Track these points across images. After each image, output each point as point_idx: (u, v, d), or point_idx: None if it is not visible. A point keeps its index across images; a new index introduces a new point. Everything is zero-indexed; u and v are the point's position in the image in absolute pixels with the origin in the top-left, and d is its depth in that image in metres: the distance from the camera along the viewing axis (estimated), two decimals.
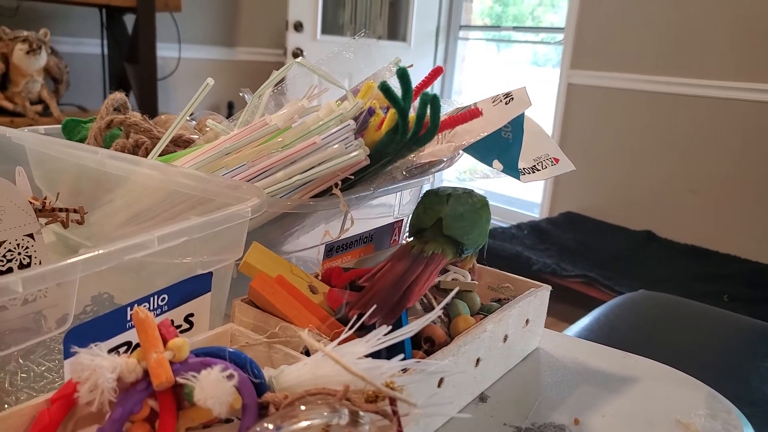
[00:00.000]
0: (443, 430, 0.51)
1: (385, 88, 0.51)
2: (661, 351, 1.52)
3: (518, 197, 4.37)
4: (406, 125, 0.55)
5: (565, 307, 2.79)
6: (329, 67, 0.69)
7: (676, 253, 3.04)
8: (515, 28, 4.53)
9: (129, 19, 2.90)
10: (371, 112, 0.59)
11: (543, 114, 3.68)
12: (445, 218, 0.59)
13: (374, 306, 0.48)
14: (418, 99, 0.53)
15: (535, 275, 2.81)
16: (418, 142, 0.57)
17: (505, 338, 0.59)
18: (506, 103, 0.57)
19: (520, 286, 0.66)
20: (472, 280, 0.65)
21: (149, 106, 2.73)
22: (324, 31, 3.64)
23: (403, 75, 0.52)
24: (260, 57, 3.69)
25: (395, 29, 4.10)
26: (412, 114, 0.56)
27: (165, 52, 3.09)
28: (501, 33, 4.69)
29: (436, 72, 0.63)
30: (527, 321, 0.62)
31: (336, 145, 0.56)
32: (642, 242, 3.16)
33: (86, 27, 2.96)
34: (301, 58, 0.66)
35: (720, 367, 1.47)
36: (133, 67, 2.80)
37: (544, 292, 0.65)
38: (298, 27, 3.49)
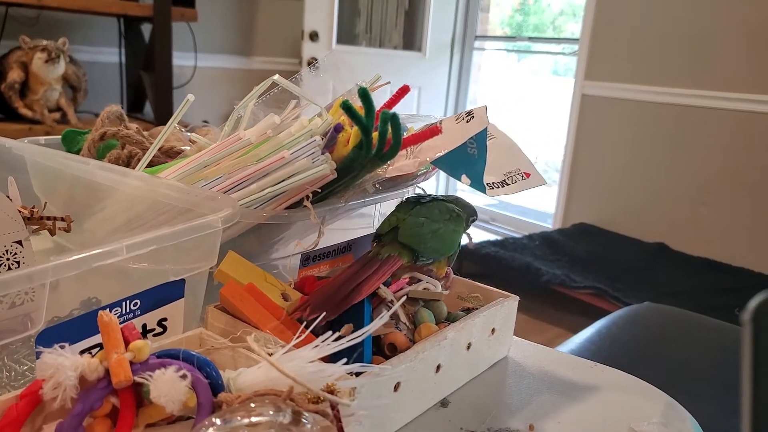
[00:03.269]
0: None
1: (346, 107, 0.54)
2: (662, 363, 1.53)
3: (532, 207, 4.37)
4: (369, 142, 0.57)
5: (575, 319, 2.78)
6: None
7: (688, 266, 3.03)
8: (531, 39, 4.54)
9: (146, 29, 2.97)
10: (338, 128, 0.62)
11: (559, 124, 3.69)
12: (402, 225, 0.61)
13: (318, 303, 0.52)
14: (380, 117, 0.56)
15: (544, 286, 2.81)
16: (383, 158, 0.59)
17: (469, 346, 0.61)
18: (467, 121, 0.59)
19: (489, 296, 0.68)
20: (445, 289, 0.67)
21: (165, 114, 2.79)
22: (339, 40, 3.68)
23: (364, 95, 0.55)
24: (276, 66, 3.74)
25: (411, 39, 4.13)
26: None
27: (181, 60, 3.15)
28: (517, 43, 4.70)
29: (403, 91, 0.66)
30: (493, 330, 0.64)
31: (304, 160, 0.59)
32: (654, 254, 3.15)
33: (104, 36, 3.03)
34: (277, 75, 0.69)
35: (721, 379, 1.47)
36: (149, 76, 2.86)
37: (511, 302, 0.67)
38: (314, 37, 3.54)
